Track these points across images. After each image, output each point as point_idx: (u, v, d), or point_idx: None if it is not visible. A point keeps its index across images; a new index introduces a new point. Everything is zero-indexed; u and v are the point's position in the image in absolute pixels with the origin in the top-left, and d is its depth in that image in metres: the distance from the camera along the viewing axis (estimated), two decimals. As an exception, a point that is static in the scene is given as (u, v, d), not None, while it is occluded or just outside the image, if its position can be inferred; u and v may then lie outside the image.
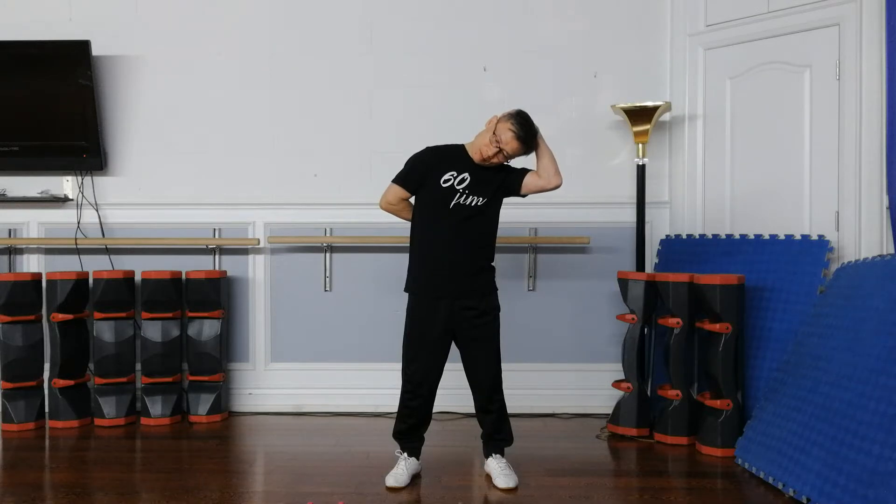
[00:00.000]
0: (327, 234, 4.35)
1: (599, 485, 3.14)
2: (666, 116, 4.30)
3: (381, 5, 4.37)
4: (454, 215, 3.07)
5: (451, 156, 3.13)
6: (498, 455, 3.18)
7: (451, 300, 3.08)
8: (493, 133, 3.03)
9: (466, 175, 3.08)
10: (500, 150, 3.03)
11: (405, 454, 3.17)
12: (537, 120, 4.30)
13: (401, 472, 3.11)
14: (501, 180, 3.14)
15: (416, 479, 3.16)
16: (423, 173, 3.12)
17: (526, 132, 3.03)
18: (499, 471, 3.11)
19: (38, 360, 4.08)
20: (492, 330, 3.15)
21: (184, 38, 4.38)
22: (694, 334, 3.75)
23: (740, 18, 4.04)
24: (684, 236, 4.19)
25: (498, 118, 3.07)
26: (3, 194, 4.37)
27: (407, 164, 3.18)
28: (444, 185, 3.07)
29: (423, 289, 3.12)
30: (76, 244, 4.35)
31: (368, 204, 4.22)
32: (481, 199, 3.08)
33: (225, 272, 4.26)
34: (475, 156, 3.07)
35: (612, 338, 4.29)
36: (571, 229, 4.32)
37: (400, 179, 3.17)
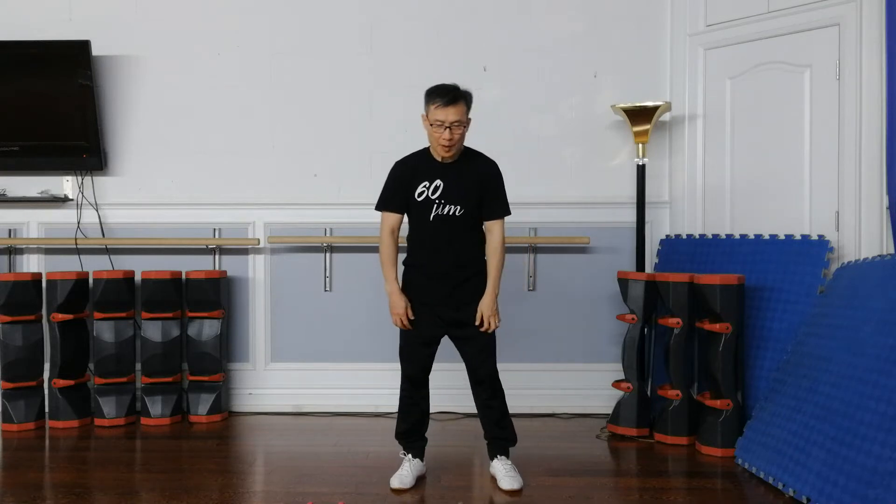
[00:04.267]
0: (327, 234, 4.35)
1: (599, 485, 3.14)
2: (666, 116, 4.29)
3: (380, 5, 4.37)
4: (436, 228, 3.05)
5: (420, 165, 3.08)
6: (503, 457, 3.17)
7: (439, 313, 3.09)
8: (431, 124, 2.98)
9: (439, 182, 3.05)
10: (448, 127, 2.95)
11: (409, 455, 3.17)
12: (537, 120, 4.36)
13: (405, 473, 3.10)
14: (481, 195, 3.07)
15: (419, 480, 3.15)
16: (403, 187, 3.08)
17: (447, 96, 2.94)
18: (504, 472, 3.10)
19: (38, 360, 4.08)
20: (482, 331, 3.13)
21: (184, 38, 4.38)
22: (694, 334, 3.75)
23: (740, 18, 4.04)
24: (684, 236, 4.19)
25: (423, 115, 3.03)
26: (3, 194, 4.37)
27: (384, 188, 3.13)
28: (419, 199, 3.06)
29: (410, 295, 3.12)
30: (76, 244, 4.35)
31: (368, 204, 4.19)
32: (459, 208, 3.04)
33: (225, 272, 4.26)
34: (442, 153, 3.02)
35: (612, 338, 4.29)
36: (571, 229, 4.32)
37: (383, 204, 3.12)
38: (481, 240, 3.15)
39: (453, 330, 3.13)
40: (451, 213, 3.05)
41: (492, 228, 3.12)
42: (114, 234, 4.39)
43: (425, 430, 3.22)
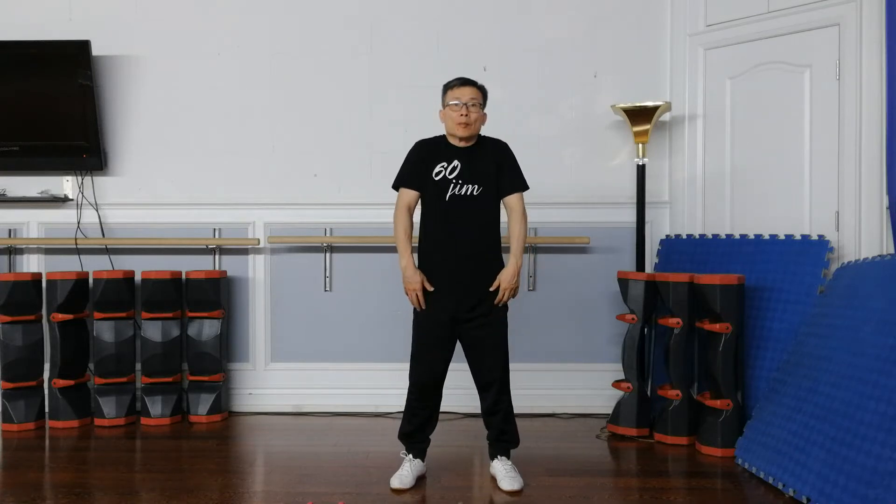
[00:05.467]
0: (327, 234, 4.35)
1: (599, 485, 3.14)
2: (666, 116, 4.30)
3: (380, 5, 4.37)
4: (452, 209, 3.05)
5: (439, 147, 3.14)
6: (503, 457, 3.17)
7: (455, 301, 3.07)
8: (448, 106, 3.06)
9: (457, 163, 3.08)
10: (464, 104, 3.03)
11: (410, 455, 3.16)
12: (537, 119, 4.36)
13: (406, 473, 3.10)
14: (497, 172, 3.11)
15: (419, 480, 3.15)
16: (419, 164, 3.11)
17: (462, 79, 3.11)
18: (504, 473, 3.09)
19: (38, 360, 4.08)
20: (497, 330, 3.13)
21: (184, 38, 4.38)
22: (694, 334, 3.75)
23: (740, 18, 4.04)
24: (684, 236, 4.19)
25: (441, 110, 3.14)
26: (3, 194, 4.37)
27: (402, 166, 3.18)
28: (437, 178, 3.08)
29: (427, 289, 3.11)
30: (76, 244, 4.35)
31: (368, 204, 4.25)
32: (477, 187, 3.07)
33: (225, 272, 4.26)
34: (460, 132, 3.05)
35: (612, 338, 4.29)
36: (571, 229, 4.32)
37: (400, 181, 3.16)
38: (498, 227, 3.14)
39: (466, 331, 3.10)
40: (468, 192, 3.06)
41: (512, 203, 3.14)
42: (114, 234, 4.39)
43: (430, 432, 3.21)
